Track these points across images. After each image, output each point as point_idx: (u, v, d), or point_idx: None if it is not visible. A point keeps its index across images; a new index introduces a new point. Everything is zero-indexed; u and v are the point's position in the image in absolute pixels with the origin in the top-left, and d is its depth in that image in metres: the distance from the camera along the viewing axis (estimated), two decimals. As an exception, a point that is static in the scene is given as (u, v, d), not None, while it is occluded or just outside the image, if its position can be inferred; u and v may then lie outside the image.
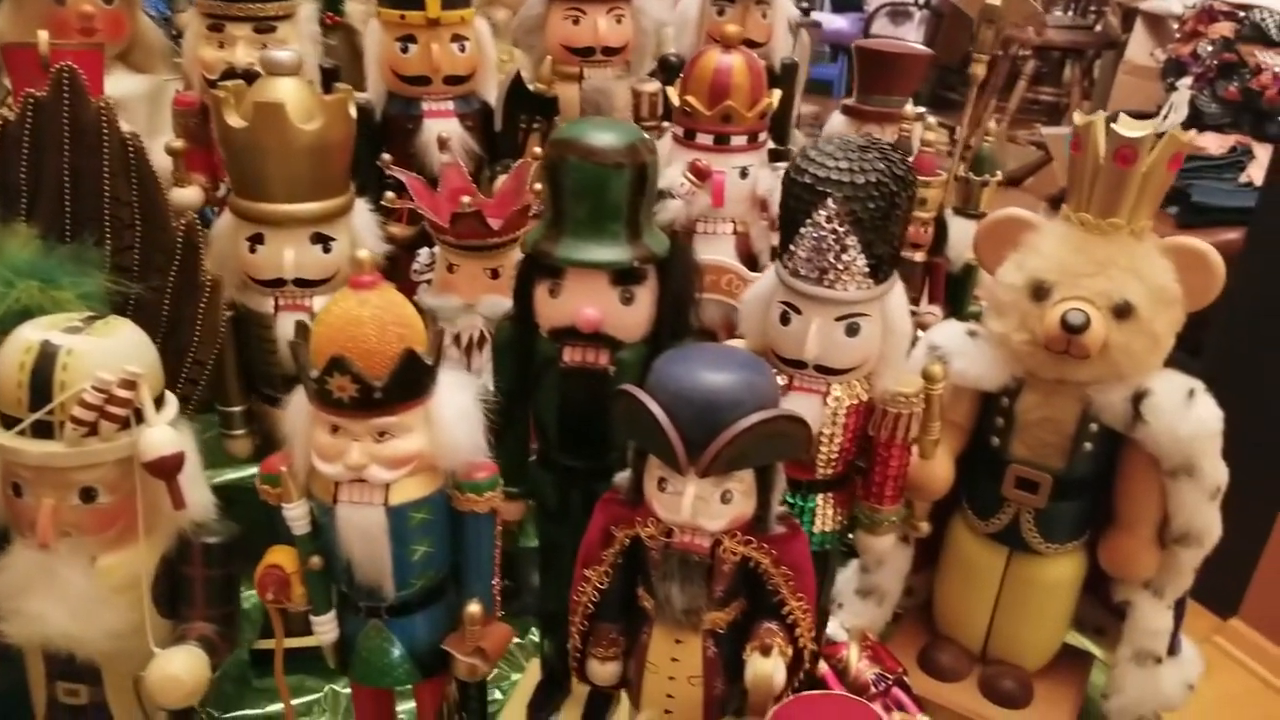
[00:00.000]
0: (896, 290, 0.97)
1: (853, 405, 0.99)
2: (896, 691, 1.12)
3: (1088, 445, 1.06)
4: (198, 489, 0.88)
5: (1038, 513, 1.10)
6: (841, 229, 0.90)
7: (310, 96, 1.11)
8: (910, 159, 1.28)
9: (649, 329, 0.99)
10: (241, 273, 1.17)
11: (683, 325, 1.01)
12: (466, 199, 1.11)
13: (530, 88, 1.44)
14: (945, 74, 5.59)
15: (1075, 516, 1.11)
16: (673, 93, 1.30)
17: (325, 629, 0.87)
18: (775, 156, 1.30)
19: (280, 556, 0.85)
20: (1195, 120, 3.71)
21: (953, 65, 5.36)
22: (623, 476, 0.93)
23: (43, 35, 1.22)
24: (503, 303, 1.09)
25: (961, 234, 1.41)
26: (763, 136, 1.30)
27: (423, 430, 0.81)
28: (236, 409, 1.26)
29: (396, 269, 1.32)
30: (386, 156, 1.28)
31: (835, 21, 6.10)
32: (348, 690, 1.18)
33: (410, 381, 0.79)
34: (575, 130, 0.94)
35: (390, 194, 1.25)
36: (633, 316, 0.97)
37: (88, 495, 0.83)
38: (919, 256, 1.37)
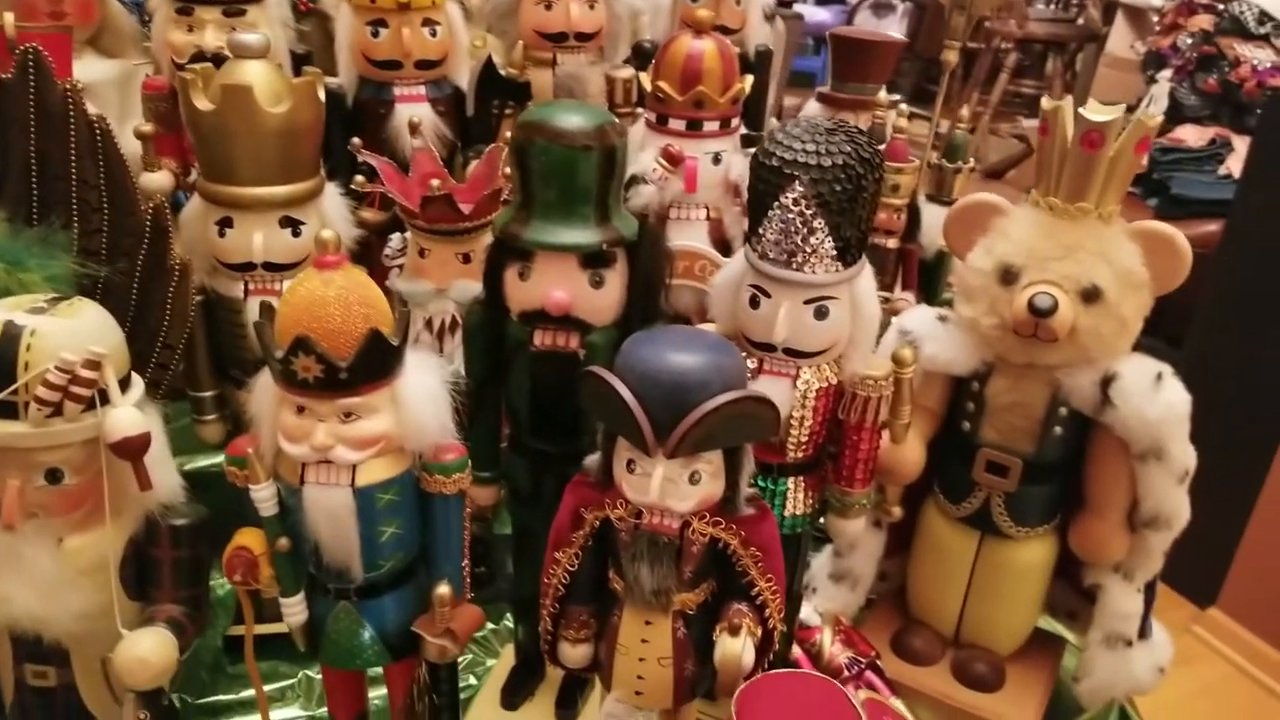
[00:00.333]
0: (865, 274, 0.99)
1: (822, 389, 1.00)
2: (870, 675, 1.14)
3: (1057, 429, 1.08)
4: (165, 471, 0.88)
5: (1008, 497, 1.12)
6: (809, 211, 0.91)
7: (278, 79, 1.12)
8: (883, 145, 1.30)
9: (619, 312, 1.00)
10: (211, 257, 1.17)
11: (653, 309, 1.02)
12: (436, 182, 1.12)
13: (502, 73, 1.44)
14: (928, 67, 5.63)
15: (1045, 500, 1.13)
16: (645, 78, 1.30)
17: (294, 611, 0.88)
18: (749, 142, 1.31)
19: (248, 539, 0.86)
20: (1175, 112, 3.75)
21: (935, 58, 5.39)
22: (592, 459, 0.94)
23: (8, 17, 1.22)
24: (474, 287, 1.10)
25: (934, 221, 1.43)
26: (735, 122, 1.31)
27: (389, 411, 0.82)
28: (207, 394, 1.26)
29: (368, 254, 1.32)
30: (357, 141, 1.28)
31: (818, 14, 6.12)
32: (321, 676, 1.18)
33: (376, 362, 0.79)
34: (543, 113, 0.95)
35: (360, 178, 1.25)
36: (602, 300, 0.98)
37: (53, 476, 0.83)
38: (892, 243, 1.39)
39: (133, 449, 0.81)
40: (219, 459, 1.25)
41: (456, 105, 1.46)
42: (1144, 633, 1.16)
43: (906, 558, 1.27)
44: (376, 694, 1.09)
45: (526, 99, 1.45)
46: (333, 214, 1.19)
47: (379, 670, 0.99)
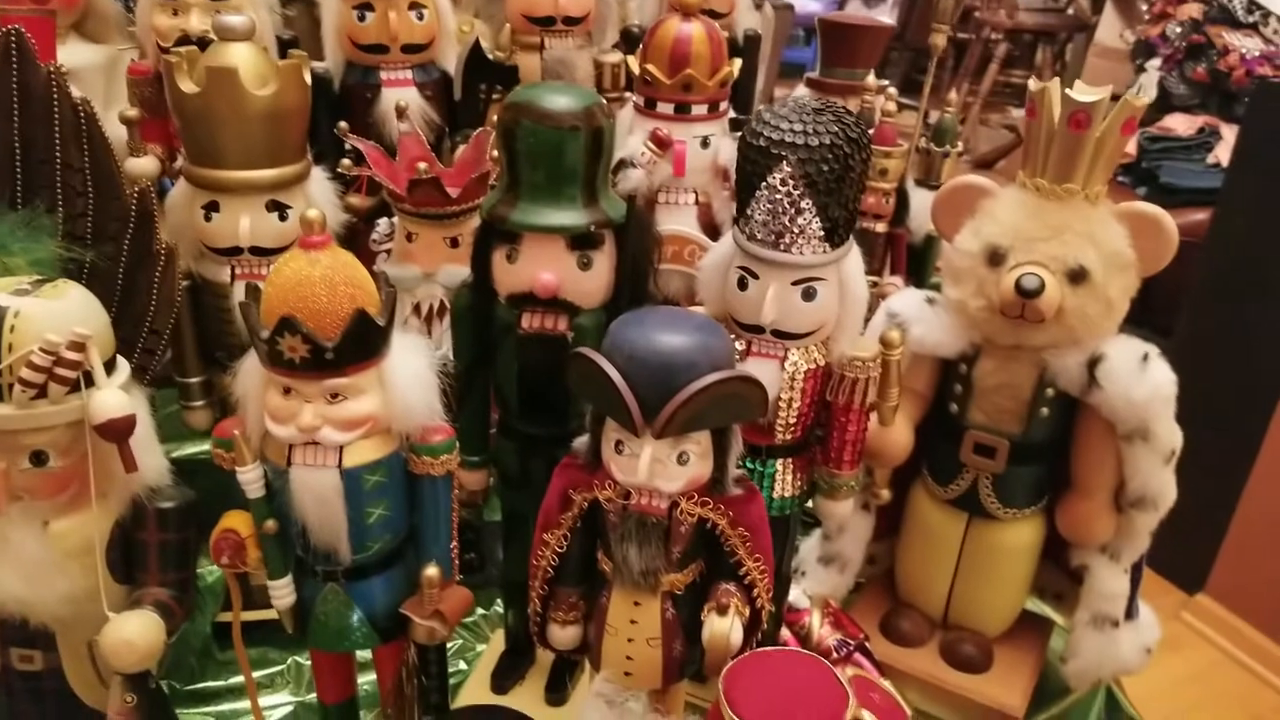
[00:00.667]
0: (853, 255, 0.99)
1: (810, 370, 1.00)
2: (858, 657, 1.15)
3: (1044, 410, 1.08)
4: (151, 454, 0.88)
5: (996, 478, 1.12)
6: (796, 191, 0.91)
7: (264, 62, 1.11)
8: (871, 130, 1.30)
9: (607, 295, 1.00)
10: (198, 242, 1.16)
11: (641, 291, 1.02)
12: (423, 165, 1.11)
13: (490, 57, 1.44)
14: (917, 58, 5.63)
15: (1033, 482, 1.13)
16: (633, 62, 1.30)
17: (282, 593, 0.88)
18: (737, 127, 1.31)
19: (235, 521, 0.85)
20: (1164, 101, 3.76)
21: (924, 49, 5.39)
22: (581, 441, 0.94)
23: (-9, 1, 1.21)
24: (462, 272, 1.09)
25: (923, 206, 1.43)
26: (724, 106, 1.31)
27: (376, 392, 0.82)
28: (194, 380, 1.26)
29: (355, 240, 1.32)
30: (343, 125, 1.27)
31: (809, 5, 6.11)
32: (311, 662, 1.18)
33: (362, 342, 0.79)
34: (530, 94, 0.94)
35: (346, 161, 1.25)
36: (590, 282, 0.98)
37: (38, 459, 0.83)
38: (881, 227, 1.39)
39: (118, 431, 0.81)
40: (207, 445, 1.25)
41: (444, 90, 1.45)
42: (1131, 613, 1.16)
43: (895, 541, 1.27)
44: (365, 679, 1.09)
45: (514, 83, 1.44)
46: (319, 198, 1.19)
47: (368, 655, 0.99)
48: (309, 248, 0.79)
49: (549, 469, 0.95)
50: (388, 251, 1.26)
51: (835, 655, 1.13)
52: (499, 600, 1.29)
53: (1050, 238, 1.02)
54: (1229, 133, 3.41)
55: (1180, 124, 3.64)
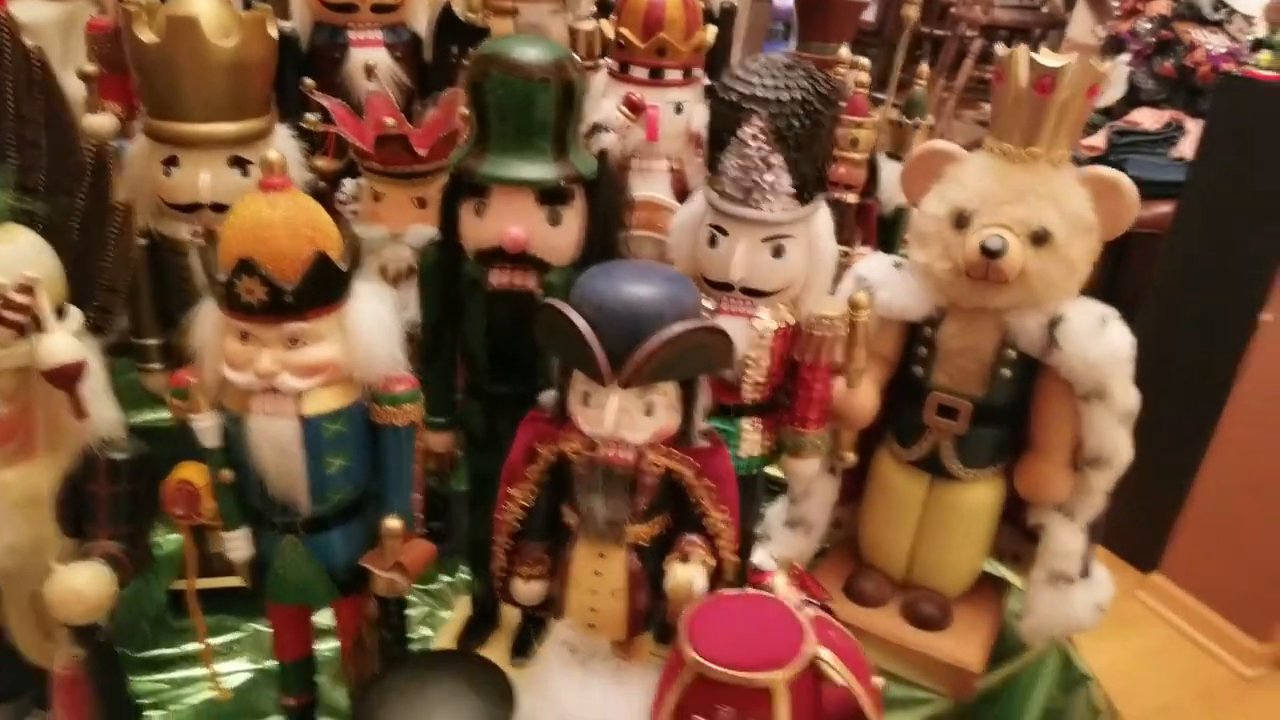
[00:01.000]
0: (822, 214, 0.98)
1: (779, 329, 1.00)
2: (821, 617, 1.14)
3: (1006, 372, 1.09)
4: (103, 405, 0.85)
5: (958, 439, 1.13)
6: (767, 147, 0.90)
7: (227, 13, 1.08)
8: (844, 103, 1.30)
9: (577, 252, 0.99)
10: (157, 197, 1.13)
11: (611, 249, 1.01)
12: (391, 120, 1.09)
13: (462, 19, 1.41)
14: (894, 54, 5.63)
15: (993, 443, 1.14)
16: (607, 26, 1.29)
17: (238, 546, 0.85)
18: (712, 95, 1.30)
19: (189, 471, 0.83)
20: (1132, 96, 3.80)
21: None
22: (547, 396, 0.93)
23: (-61, -49, 1.17)
24: (430, 233, 1.08)
25: (893, 178, 1.43)
26: (698, 72, 1.30)
27: (336, 339, 0.80)
28: (151, 342, 1.23)
29: (321, 203, 1.29)
30: (309, 81, 1.25)
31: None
32: (269, 630, 1.16)
33: (322, 286, 0.77)
34: (500, 45, 0.93)
35: (312, 116, 1.22)
36: (560, 238, 0.97)
37: (-16, 406, 0.80)
38: (851, 198, 1.39)
39: (67, 376, 0.78)
40: (166, 413, 1.23)
41: (414, 51, 1.42)
42: (1085, 572, 1.17)
43: (859, 505, 1.27)
44: (327, 646, 1.07)
45: (486, 45, 1.42)
46: (284, 155, 1.16)
47: (328, 619, 0.97)
48: (268, 189, 0.77)
49: (515, 429, 0.94)
50: (354, 213, 1.24)
51: (799, 616, 1.13)
52: (464, 567, 1.27)
53: (1014, 201, 1.02)
54: (1194, 127, 3.46)
55: (1147, 118, 3.68)
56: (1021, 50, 1.02)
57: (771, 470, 1.33)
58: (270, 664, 1.11)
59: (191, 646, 1.14)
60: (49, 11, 1.49)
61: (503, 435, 1.01)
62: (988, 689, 1.21)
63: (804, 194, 0.94)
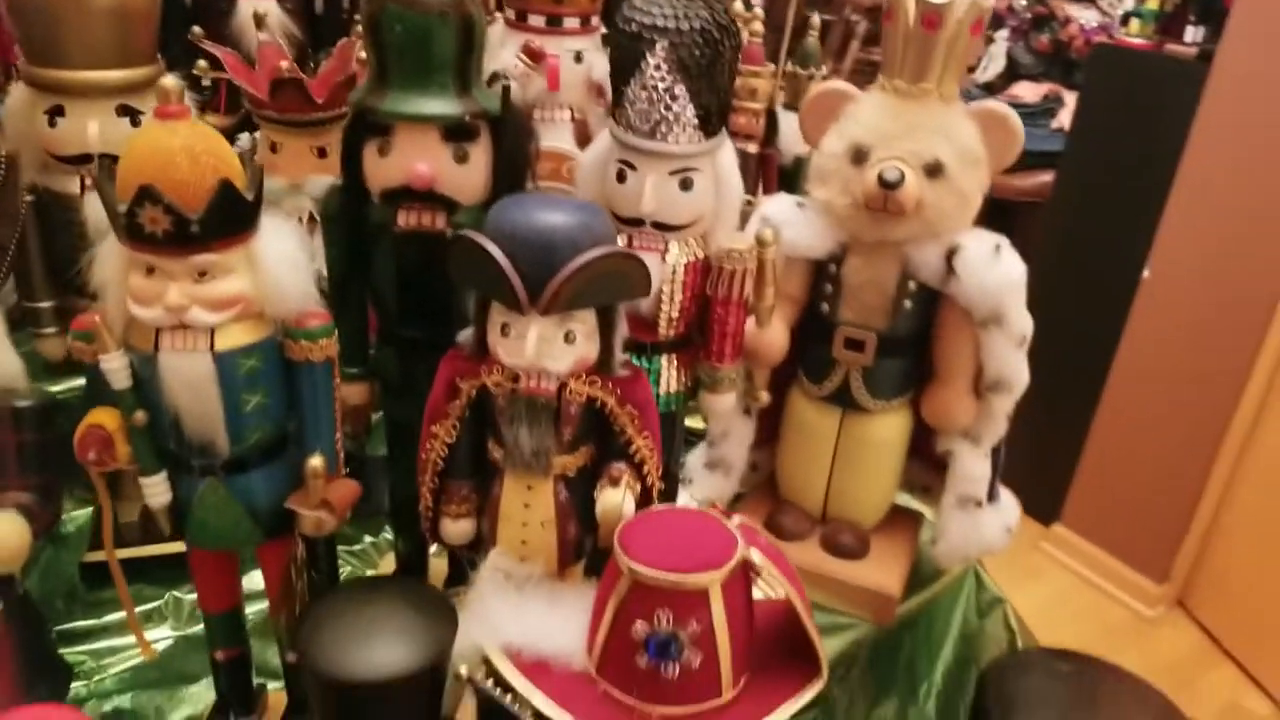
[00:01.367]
0: (726, 148, 1.02)
1: (690, 263, 1.03)
2: (748, 525, 1.19)
3: (907, 303, 1.15)
4: (4, 351, 0.83)
5: (865, 372, 1.18)
6: (670, 77, 0.94)
7: (108, -42, 1.06)
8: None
9: (485, 192, 1.00)
10: (42, 151, 1.10)
11: (519, 188, 1.02)
12: (285, 64, 1.09)
13: (354, -27, 1.41)
14: (782, 37, 5.78)
15: (899, 374, 1.20)
16: (503, -25, 1.31)
17: (156, 491, 0.84)
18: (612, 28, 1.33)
19: (102, 416, 0.82)
20: (1012, 71, 4.01)
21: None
22: (465, 334, 0.95)
23: None
24: (330, 182, 1.08)
25: (792, 129, 1.49)
26: (595, 20, 1.33)
27: (245, 272, 0.80)
28: (44, 304, 1.18)
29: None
30: (198, 30, 1.22)
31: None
32: (190, 595, 1.14)
33: (228, 215, 0.77)
34: (398, -19, 0.93)
35: (203, 63, 1.20)
36: (467, 177, 0.98)
37: (-127, 356, 0.77)
38: (752, 148, 1.44)
39: (-37, 321, 0.76)
40: (68, 384, 1.19)
41: (305, 3, 1.41)
42: (992, 496, 1.25)
43: (775, 447, 1.32)
44: (255, 609, 1.06)
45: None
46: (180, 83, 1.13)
47: (255, 587, 0.96)
48: (166, 117, 0.76)
49: (432, 374, 0.95)
50: (252, 172, 1.22)
51: (723, 552, 1.17)
52: (386, 528, 1.27)
53: (908, 135, 1.08)
54: (1071, 99, 3.66)
55: (1027, 91, 3.88)
56: (910, -10, 1.08)
57: (691, 423, 1.38)
58: (192, 630, 1.10)
59: (110, 617, 1.11)
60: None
61: (419, 381, 1.02)
62: (907, 615, 1.28)
63: (708, 125, 0.97)
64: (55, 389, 1.20)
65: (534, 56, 1.22)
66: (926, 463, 1.29)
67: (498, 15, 1.35)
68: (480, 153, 0.98)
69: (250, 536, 0.87)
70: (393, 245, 0.99)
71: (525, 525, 0.92)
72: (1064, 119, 3.64)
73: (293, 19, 1.37)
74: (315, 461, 0.85)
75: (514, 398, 0.88)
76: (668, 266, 1.03)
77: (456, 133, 0.95)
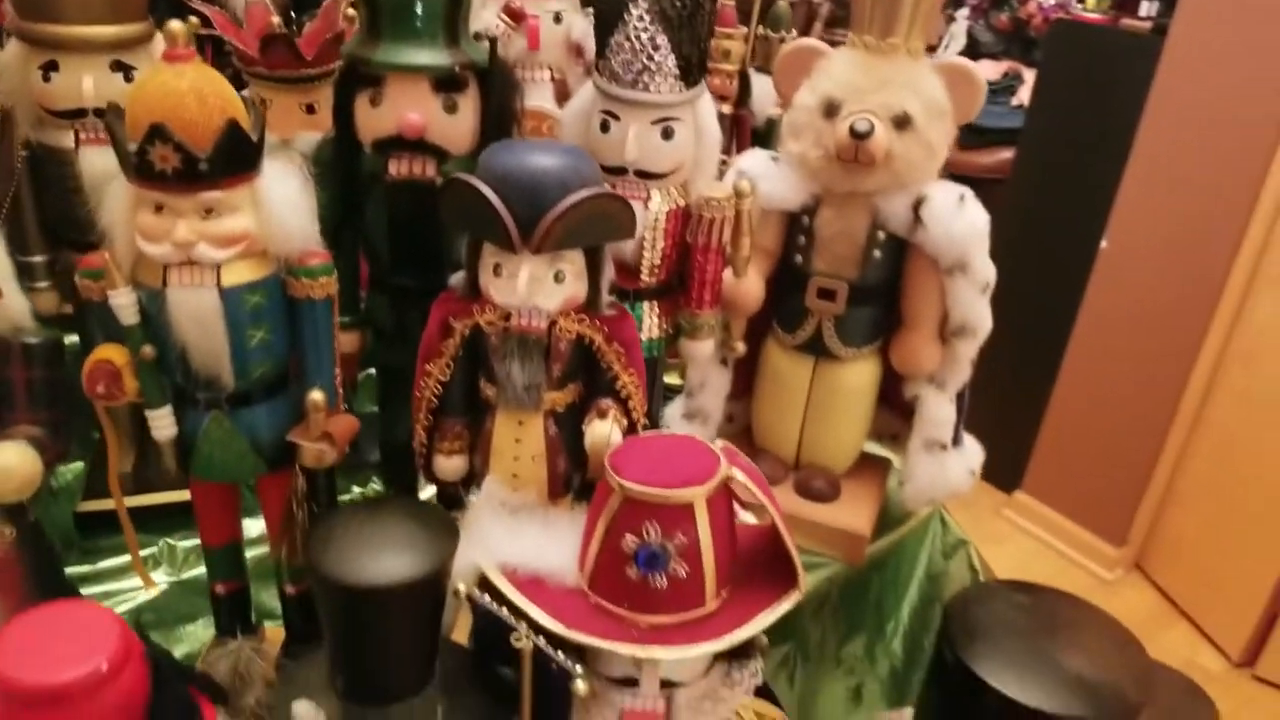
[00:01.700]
0: (706, 98, 1.08)
1: (671, 210, 1.09)
2: (729, 448, 1.24)
3: (877, 253, 1.21)
4: (11, 291, 0.86)
5: (837, 320, 1.25)
6: (653, 27, 0.99)
7: (98, -86, 1.09)
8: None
9: (474, 142, 1.05)
10: (36, 106, 1.12)
11: (506, 138, 1.07)
12: (276, 19, 1.12)
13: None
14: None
15: (869, 322, 1.27)
16: (484, -62, 1.34)
17: (162, 424, 0.88)
18: (589, 4, 1.38)
19: (110, 351, 0.86)
20: (972, 49, 4.10)
21: None
22: (457, 277, 1.00)
23: None
24: (319, 139, 1.11)
25: (763, 91, 1.55)
26: (574, -18, 1.38)
27: (250, 210, 0.84)
28: (38, 259, 1.21)
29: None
30: (186, -14, 1.26)
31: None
32: (184, 543, 1.18)
33: (235, 154, 0.81)
34: (388, -65, 0.98)
35: (194, 19, 1.23)
36: (456, 126, 1.03)
37: (-117, 293, 0.80)
38: (726, 109, 1.50)
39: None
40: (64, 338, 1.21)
41: (287, -33, 1.44)
42: (957, 440, 1.32)
43: (750, 399, 1.38)
44: (253, 553, 1.10)
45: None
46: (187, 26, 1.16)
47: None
48: (173, 60, 0.80)
49: (424, 322, 1.00)
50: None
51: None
52: (374, 480, 1.31)
53: (878, 88, 1.14)
54: (1031, 76, 3.76)
55: (987, 69, 3.98)
56: (877, -50, 1.14)
57: (669, 379, 1.44)
58: (188, 575, 1.14)
59: (105, 563, 1.15)
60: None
61: (411, 329, 1.07)
62: (875, 555, 1.35)
63: (689, 76, 1.03)
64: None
65: (515, 16, 1.26)
66: (895, 411, 1.36)
67: (478, -22, 1.39)
68: (469, 104, 1.03)
69: (253, 469, 0.92)
70: (384, 194, 1.04)
71: (517, 459, 0.98)
72: (1024, 96, 3.74)
73: (279, -17, 1.40)
74: (316, 395, 0.89)
75: (506, 335, 0.93)
76: (650, 214, 1.08)
77: (446, 83, 1.00)
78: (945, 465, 1.30)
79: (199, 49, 1.29)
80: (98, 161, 0.99)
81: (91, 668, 0.58)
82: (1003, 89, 3.87)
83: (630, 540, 0.82)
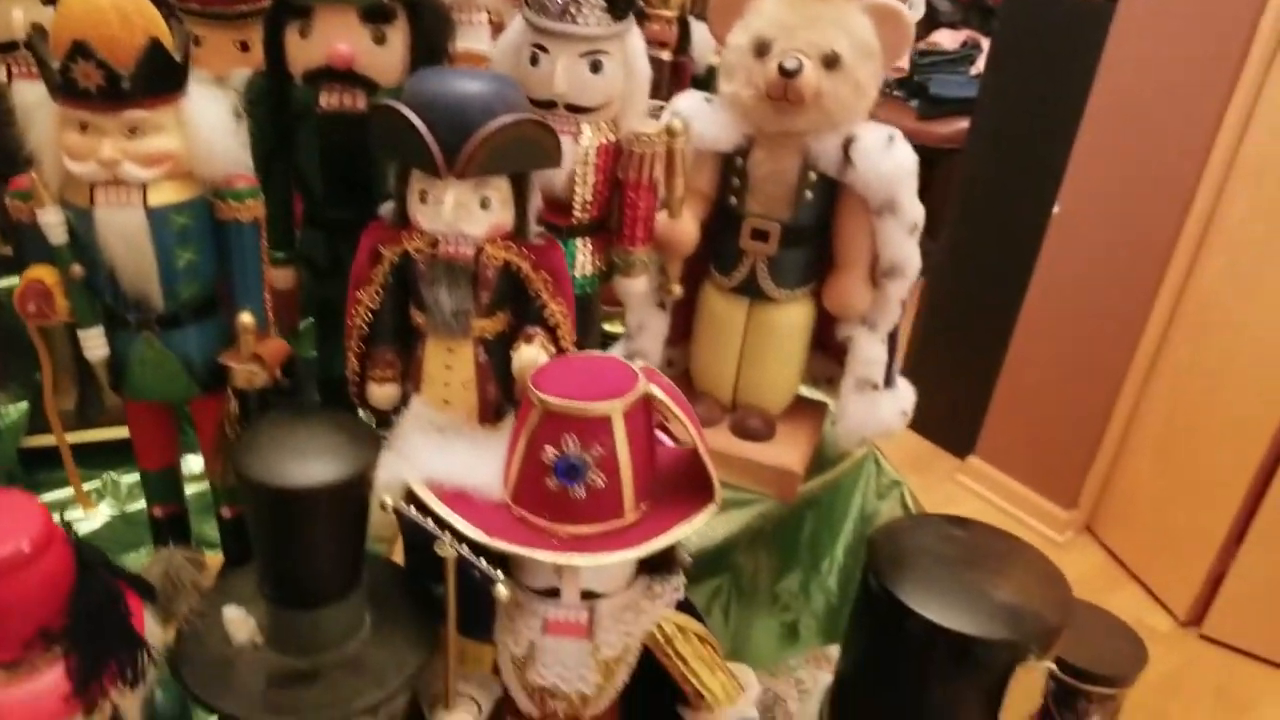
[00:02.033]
0: (634, 33, 1.12)
1: (602, 145, 1.13)
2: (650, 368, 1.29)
3: (808, 194, 1.26)
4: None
5: (770, 261, 1.29)
6: (578, -40, 1.02)
7: None
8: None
9: (403, 74, 1.08)
10: (-39, 40, 1.14)
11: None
12: (208, -48, 1.15)
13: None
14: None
15: (802, 264, 1.32)
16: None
17: (95, 345, 0.91)
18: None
19: (40, 272, 0.89)
20: (931, 19, 4.16)
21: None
22: (387, 206, 1.03)
23: None
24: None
25: (704, 38, 1.59)
26: (509, -77, 1.40)
27: (175, 131, 0.87)
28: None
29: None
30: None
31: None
32: (127, 478, 1.21)
33: (158, 73, 0.84)
34: None
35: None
36: (385, 57, 1.06)
37: None
38: (666, 55, 1.53)
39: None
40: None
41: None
42: (889, 381, 1.38)
43: (688, 344, 1.43)
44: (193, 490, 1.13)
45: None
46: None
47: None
48: (96, -21, 0.82)
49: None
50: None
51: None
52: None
53: (807, 27, 1.18)
54: (989, 45, 3.83)
55: (946, 39, 4.04)
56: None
57: (609, 327, 1.48)
58: (131, 508, 1.17)
59: (49, 496, 1.17)
60: None
61: (345, 261, 1.10)
62: (810, 494, 1.41)
63: (616, 9, 1.07)
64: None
65: (451, -43, 1.29)
66: (830, 355, 1.41)
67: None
68: (398, 35, 1.06)
69: (186, 389, 0.95)
70: (316, 126, 1.07)
71: (447, 386, 1.01)
72: (982, 65, 3.81)
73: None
74: (245, 317, 0.93)
75: (434, 262, 0.97)
76: (580, 149, 1.12)
77: (374, 14, 1.03)
78: (877, 404, 1.35)
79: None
80: (30, 95, 1.00)
81: (13, 548, 0.61)
82: (961, 59, 3.94)
83: (550, 452, 0.86)
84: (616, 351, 1.42)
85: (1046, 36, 2.84)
